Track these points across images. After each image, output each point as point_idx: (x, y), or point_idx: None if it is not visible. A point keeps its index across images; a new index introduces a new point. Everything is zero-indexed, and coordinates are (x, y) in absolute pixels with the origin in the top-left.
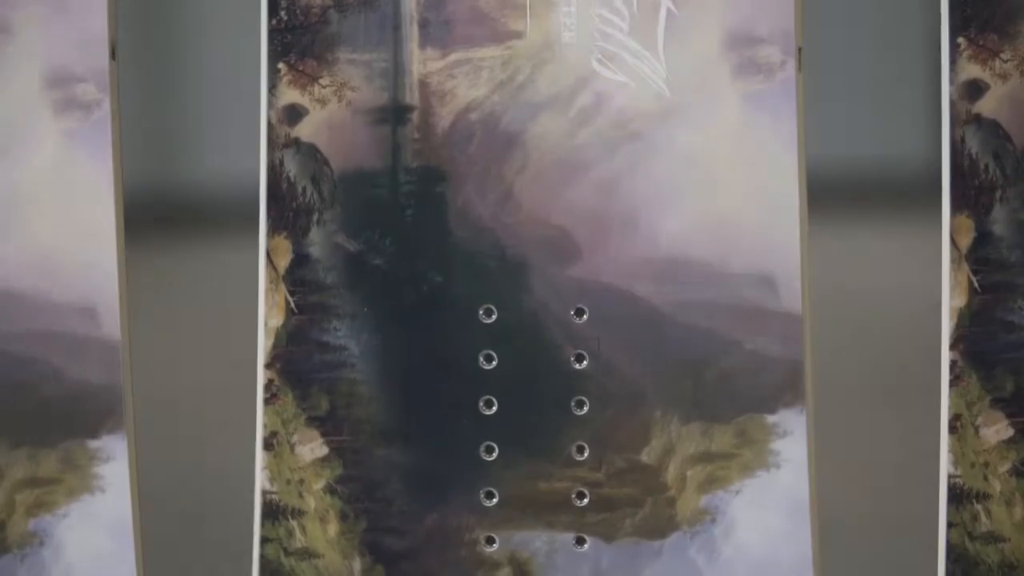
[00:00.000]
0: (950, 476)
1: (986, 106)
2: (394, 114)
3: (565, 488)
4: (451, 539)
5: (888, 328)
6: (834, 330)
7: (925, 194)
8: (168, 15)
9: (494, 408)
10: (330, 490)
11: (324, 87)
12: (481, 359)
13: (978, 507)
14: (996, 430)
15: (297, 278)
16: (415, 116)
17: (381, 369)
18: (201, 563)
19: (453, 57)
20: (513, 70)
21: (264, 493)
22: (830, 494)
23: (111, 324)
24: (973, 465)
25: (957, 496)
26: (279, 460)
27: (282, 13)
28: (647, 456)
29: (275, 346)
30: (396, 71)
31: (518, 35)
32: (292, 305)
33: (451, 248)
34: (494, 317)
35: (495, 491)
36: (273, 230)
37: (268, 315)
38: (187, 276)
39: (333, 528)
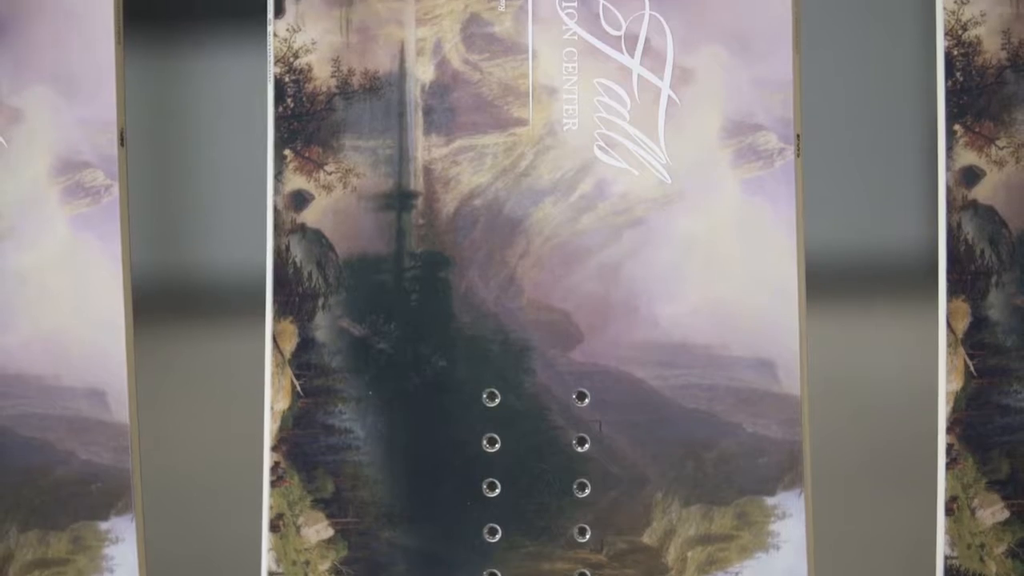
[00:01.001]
0: (947, 558)
1: (982, 192)
2: (399, 200)
3: (567, 569)
4: None
5: (886, 411)
6: (833, 413)
7: (922, 279)
8: (176, 102)
9: (497, 491)
10: (336, 571)
11: (330, 173)
12: (484, 442)
13: None
14: (992, 512)
15: (303, 362)
16: (419, 202)
17: (386, 452)
18: None
19: (457, 144)
20: (516, 157)
21: (271, 574)
22: None
23: (120, 407)
24: (969, 547)
25: None
26: (285, 541)
27: (288, 100)
28: (648, 537)
29: (281, 429)
30: (401, 157)
31: (521, 122)
32: (298, 388)
33: (455, 332)
34: (497, 401)
35: (498, 572)
36: (279, 314)
37: (274, 398)
38: (195, 360)
39: None
